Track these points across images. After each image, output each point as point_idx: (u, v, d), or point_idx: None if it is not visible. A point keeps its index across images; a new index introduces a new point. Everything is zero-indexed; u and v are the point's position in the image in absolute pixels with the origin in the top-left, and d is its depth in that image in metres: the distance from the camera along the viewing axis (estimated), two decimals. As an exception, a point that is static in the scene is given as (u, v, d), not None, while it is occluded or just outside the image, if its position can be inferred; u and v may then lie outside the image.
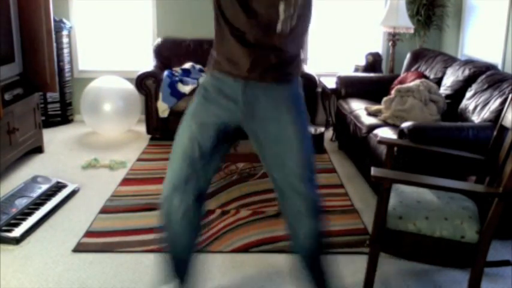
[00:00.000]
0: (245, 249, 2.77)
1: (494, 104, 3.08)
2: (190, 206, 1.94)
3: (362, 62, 5.16)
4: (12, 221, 2.91)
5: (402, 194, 2.32)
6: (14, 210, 3.01)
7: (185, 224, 1.98)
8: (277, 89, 1.80)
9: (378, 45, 5.41)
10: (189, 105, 1.93)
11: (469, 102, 3.38)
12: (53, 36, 4.16)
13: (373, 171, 2.12)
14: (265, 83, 1.77)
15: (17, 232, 2.82)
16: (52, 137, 4.75)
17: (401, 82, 4.20)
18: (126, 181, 3.72)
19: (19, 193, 3.26)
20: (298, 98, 1.87)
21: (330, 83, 4.85)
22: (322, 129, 4.65)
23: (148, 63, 5.07)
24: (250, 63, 1.72)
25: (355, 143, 3.89)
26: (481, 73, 3.48)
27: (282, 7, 1.66)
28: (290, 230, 1.97)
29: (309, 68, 5.05)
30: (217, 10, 1.74)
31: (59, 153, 4.36)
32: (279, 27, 1.69)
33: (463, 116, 3.40)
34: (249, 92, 1.78)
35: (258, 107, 1.79)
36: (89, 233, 2.91)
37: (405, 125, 2.98)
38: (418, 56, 4.55)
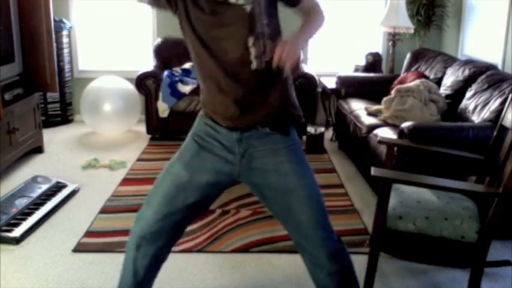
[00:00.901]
0: (245, 249, 2.77)
1: (494, 104, 3.08)
2: (158, 258, 1.82)
3: (362, 62, 5.16)
4: (12, 221, 2.91)
5: (402, 194, 2.32)
6: (14, 210, 3.01)
7: (145, 271, 1.82)
8: (274, 138, 1.68)
9: (378, 45, 5.41)
10: (179, 150, 1.79)
11: (469, 102, 3.38)
12: (53, 36, 4.16)
13: (373, 171, 2.12)
14: (259, 131, 1.67)
15: (17, 232, 2.82)
16: (52, 137, 4.75)
17: (401, 82, 4.20)
18: (126, 181, 3.72)
19: (19, 193, 3.26)
20: (297, 145, 1.75)
21: (330, 83, 4.85)
22: (322, 129, 4.65)
23: (148, 63, 5.07)
24: (239, 111, 1.63)
25: (355, 143, 3.89)
26: (481, 73, 3.48)
27: (251, 41, 1.57)
28: (310, 274, 1.82)
29: (309, 68, 5.05)
30: (195, 63, 1.68)
31: (59, 153, 4.36)
32: (254, 64, 1.59)
33: (463, 116, 3.40)
34: (245, 142, 1.68)
35: (255, 158, 1.69)
36: (89, 233, 2.91)
37: (405, 125, 2.98)
38: (418, 56, 4.55)
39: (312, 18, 1.69)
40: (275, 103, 1.67)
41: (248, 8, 1.56)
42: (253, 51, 1.58)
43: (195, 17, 1.60)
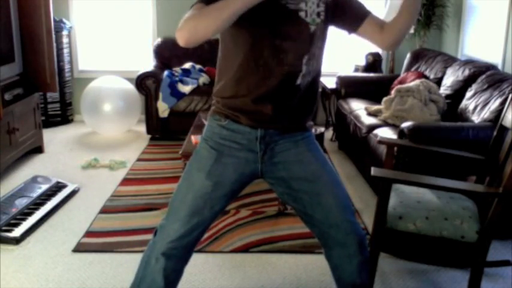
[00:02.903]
0: (245, 249, 2.77)
1: (494, 104, 3.08)
2: (186, 261, 1.81)
3: (362, 62, 5.16)
4: (12, 221, 2.91)
5: (402, 194, 2.32)
6: (14, 210, 3.01)
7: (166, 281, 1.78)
8: (295, 134, 1.73)
9: (378, 45, 5.40)
10: (194, 158, 1.76)
11: (469, 102, 3.38)
12: (53, 36, 4.16)
13: (373, 171, 2.12)
14: (284, 132, 1.70)
15: (17, 232, 2.82)
16: (52, 137, 4.75)
17: (401, 82, 4.20)
18: (126, 181, 3.72)
19: (19, 193, 3.26)
20: (312, 135, 1.80)
21: (330, 83, 4.85)
22: (322, 129, 4.64)
23: (148, 63, 5.07)
24: (270, 115, 1.64)
25: (355, 143, 3.89)
26: (481, 73, 3.48)
27: (305, 60, 1.63)
28: (336, 272, 1.80)
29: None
30: (240, 55, 1.63)
31: (59, 153, 4.36)
32: (299, 80, 1.64)
33: (463, 116, 3.40)
34: (267, 140, 1.68)
35: (277, 152, 1.70)
36: (89, 233, 2.91)
37: (405, 125, 2.98)
38: (418, 56, 4.55)
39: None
40: (304, 113, 1.73)
41: (313, 28, 1.63)
42: (304, 69, 1.64)
43: (258, 18, 1.57)
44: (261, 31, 1.60)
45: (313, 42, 1.64)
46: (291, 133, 1.71)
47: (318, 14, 1.63)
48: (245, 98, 1.65)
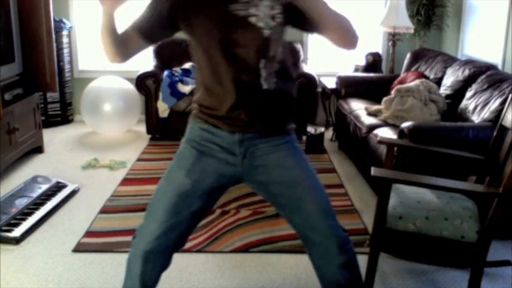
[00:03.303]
0: (245, 249, 2.77)
1: (494, 104, 3.08)
2: (164, 266, 1.79)
3: (362, 62, 5.16)
4: (12, 221, 2.91)
5: (402, 194, 2.32)
6: (14, 210, 3.01)
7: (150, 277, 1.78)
8: (276, 138, 1.71)
9: (378, 45, 5.41)
10: (176, 158, 1.77)
11: (469, 102, 3.38)
12: (53, 36, 4.16)
13: (373, 171, 2.12)
14: (262, 136, 1.69)
15: (17, 232, 2.82)
16: (52, 137, 4.75)
17: (401, 82, 4.20)
18: (126, 181, 3.72)
19: (19, 193, 3.26)
20: (294, 138, 1.77)
21: (330, 83, 4.85)
22: (322, 129, 4.65)
23: (148, 63, 5.07)
24: (245, 121, 1.65)
25: (355, 143, 3.89)
26: (481, 73, 3.48)
27: (262, 64, 1.61)
28: (318, 272, 1.79)
29: (309, 68, 5.05)
30: (204, 69, 1.66)
31: (59, 153, 4.36)
32: (264, 85, 1.63)
33: (463, 116, 3.40)
34: (246, 144, 1.68)
35: (257, 155, 1.69)
36: (89, 233, 2.91)
37: (405, 125, 2.98)
38: (418, 56, 4.55)
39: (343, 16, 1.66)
40: (281, 117, 1.72)
41: (267, 32, 1.59)
42: (263, 73, 1.62)
43: (208, 28, 1.59)
44: (213, 42, 1.60)
45: (268, 46, 1.61)
46: (270, 137, 1.70)
47: (273, 17, 1.59)
48: (218, 109, 1.66)
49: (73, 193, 3.46)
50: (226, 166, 1.71)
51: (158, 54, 5.08)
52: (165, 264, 1.78)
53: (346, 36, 1.65)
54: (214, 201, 1.81)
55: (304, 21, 1.63)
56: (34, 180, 3.50)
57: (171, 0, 1.62)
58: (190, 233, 1.79)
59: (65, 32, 5.06)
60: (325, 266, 1.74)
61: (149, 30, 1.67)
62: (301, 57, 5.17)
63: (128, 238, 2.84)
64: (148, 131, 4.76)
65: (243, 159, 1.69)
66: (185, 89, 4.65)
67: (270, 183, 1.71)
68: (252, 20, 1.57)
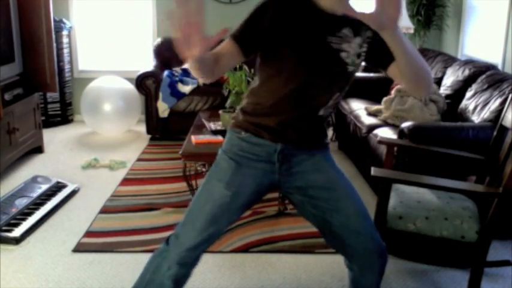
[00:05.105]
0: (245, 249, 2.77)
1: (494, 104, 3.08)
2: (191, 268, 1.83)
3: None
4: (12, 221, 2.91)
5: (402, 194, 2.32)
6: (14, 210, 3.01)
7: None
8: (313, 150, 1.76)
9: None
10: (214, 169, 1.77)
11: (469, 102, 3.38)
12: (53, 36, 4.16)
13: (373, 171, 2.12)
14: (302, 148, 1.74)
15: (17, 232, 2.82)
16: (52, 137, 4.75)
17: (401, 82, 4.20)
18: (126, 181, 3.72)
19: (19, 193, 3.26)
20: (332, 158, 1.82)
21: (330, 83, 4.85)
22: (322, 129, 4.65)
23: (148, 63, 5.07)
24: (292, 137, 1.69)
25: (355, 143, 3.89)
26: (481, 73, 3.48)
27: (335, 96, 1.68)
28: (354, 281, 1.79)
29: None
30: (273, 81, 1.67)
31: (59, 153, 4.36)
32: (321, 112, 1.69)
33: (463, 116, 3.40)
34: (285, 152, 1.70)
35: (294, 163, 1.72)
36: (89, 233, 2.91)
37: (405, 125, 2.98)
38: (418, 56, 4.54)
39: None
40: (321, 134, 1.79)
41: (351, 68, 1.65)
42: (330, 103, 1.69)
43: (300, 51, 1.60)
44: (297, 64, 1.62)
45: (347, 82, 1.70)
46: (309, 149, 1.74)
47: (359, 55, 1.64)
48: (271, 120, 1.68)
49: (73, 193, 3.46)
50: (264, 175, 1.73)
51: (158, 54, 5.08)
52: (198, 262, 1.83)
53: (421, 81, 1.58)
54: (251, 206, 1.84)
55: (377, 59, 1.66)
56: (34, 180, 3.50)
57: (273, 12, 1.58)
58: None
59: (65, 32, 5.06)
60: (365, 277, 1.74)
61: (247, 40, 1.59)
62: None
63: (128, 238, 2.85)
64: (148, 131, 4.76)
65: (280, 167, 1.72)
66: (185, 89, 4.65)
67: (309, 187, 1.73)
68: (343, 55, 1.61)
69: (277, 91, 1.66)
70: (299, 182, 1.73)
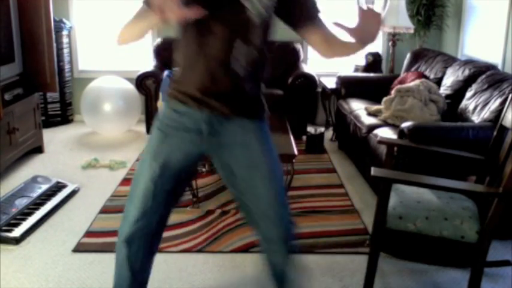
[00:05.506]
0: (245, 249, 2.77)
1: (494, 104, 3.08)
2: (150, 249, 1.84)
3: (362, 62, 5.16)
4: (12, 221, 2.91)
5: (402, 194, 2.32)
6: (14, 210, 3.01)
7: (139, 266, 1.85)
8: (244, 120, 1.71)
9: (378, 45, 5.41)
10: (147, 143, 1.79)
11: (469, 102, 3.38)
12: (53, 36, 4.16)
13: (373, 171, 2.12)
14: (230, 117, 1.69)
15: (17, 232, 2.82)
16: (52, 137, 4.75)
17: (401, 82, 4.20)
18: (126, 181, 3.72)
19: (19, 193, 3.26)
20: (267, 132, 1.77)
21: (330, 83, 4.85)
22: (322, 129, 4.65)
23: (148, 63, 5.07)
24: (214, 101, 1.65)
25: (355, 143, 3.89)
26: (481, 73, 3.48)
27: (237, 43, 1.60)
28: (265, 257, 1.86)
29: (309, 68, 5.05)
30: (183, 40, 1.67)
31: (59, 153, 4.36)
32: (233, 64, 1.62)
33: (463, 116, 3.40)
34: (214, 122, 1.68)
35: (224, 134, 1.70)
36: (89, 233, 2.91)
37: (405, 125, 2.98)
38: (418, 56, 4.55)
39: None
40: (249, 101, 1.71)
41: (253, 15, 1.58)
42: (242, 59, 1.62)
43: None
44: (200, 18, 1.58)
45: (254, 32, 1.61)
46: (239, 118, 1.70)
47: (265, 6, 1.59)
48: (190, 86, 1.67)
49: (73, 193, 3.46)
50: (191, 145, 1.72)
51: (158, 54, 5.08)
52: (150, 248, 1.82)
53: (338, 55, 1.76)
54: (187, 180, 1.85)
55: (289, 17, 1.65)
56: (34, 180, 3.50)
57: None
58: (169, 215, 1.83)
59: (65, 32, 5.06)
60: (273, 255, 1.81)
61: None
62: (301, 57, 5.17)
63: (128, 238, 2.85)
64: (148, 131, 4.76)
65: (208, 137, 1.70)
66: (185, 89, 4.65)
67: (231, 161, 1.72)
68: (246, 3, 1.57)
69: (185, 50, 1.65)
70: (225, 155, 1.73)
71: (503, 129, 2.37)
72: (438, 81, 3.95)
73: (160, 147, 1.72)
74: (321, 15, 1.68)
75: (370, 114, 3.92)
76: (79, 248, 2.75)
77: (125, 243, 1.78)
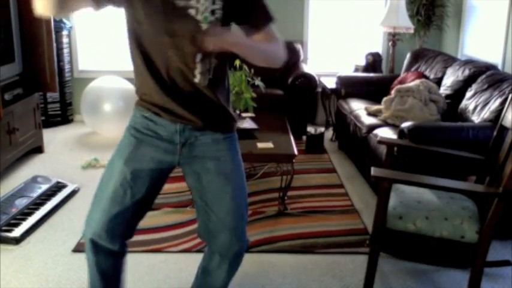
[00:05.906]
0: (245, 249, 2.77)
1: (494, 104, 3.08)
2: (118, 255, 1.83)
3: (362, 62, 5.16)
4: (12, 221, 2.91)
5: (402, 194, 2.32)
6: (14, 210, 3.01)
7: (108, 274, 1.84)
8: (217, 133, 1.72)
9: (378, 45, 5.41)
10: (117, 146, 1.78)
11: (469, 102, 3.38)
12: (53, 36, 4.16)
13: (373, 171, 2.12)
14: (203, 129, 1.70)
15: (17, 232, 2.82)
16: (52, 137, 4.75)
17: (401, 82, 4.20)
18: (126, 181, 3.71)
19: (19, 193, 3.26)
20: (237, 146, 1.78)
21: (330, 83, 4.85)
22: (322, 129, 4.65)
23: (148, 63, 5.06)
24: (183, 113, 1.65)
25: (355, 143, 3.89)
26: (481, 73, 3.48)
27: (198, 58, 1.58)
28: (205, 272, 1.88)
29: (309, 68, 5.05)
30: (137, 56, 1.65)
31: (59, 153, 4.36)
32: (197, 79, 1.61)
33: (463, 116, 3.40)
34: (186, 134, 1.68)
35: (196, 146, 1.70)
36: (89, 233, 2.91)
37: (405, 125, 2.98)
38: (418, 56, 4.55)
39: (268, 43, 1.66)
40: (218, 113, 1.71)
41: (204, 26, 1.56)
42: (199, 67, 1.60)
43: (147, 13, 1.59)
44: (151, 28, 1.60)
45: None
46: (210, 131, 1.70)
47: (213, 12, 1.56)
48: (155, 98, 1.66)
49: (73, 193, 3.46)
50: (164, 154, 1.71)
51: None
52: (117, 253, 1.80)
53: (270, 63, 1.71)
54: (157, 189, 1.81)
55: (241, 24, 1.66)
56: (34, 180, 3.50)
57: None
58: (137, 222, 1.81)
59: (65, 32, 5.06)
60: (218, 273, 1.82)
61: None
62: (301, 57, 5.17)
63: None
64: (148, 131, 4.76)
65: (182, 148, 1.70)
66: (185, 89, 4.64)
67: (203, 172, 1.72)
68: (191, 12, 1.56)
69: (142, 58, 1.64)
70: (196, 166, 1.73)
71: (503, 129, 2.38)
72: (438, 81, 3.95)
73: (133, 154, 1.71)
74: (270, 26, 1.66)
75: (370, 114, 3.92)
76: (79, 248, 2.75)
77: (91, 249, 1.78)
